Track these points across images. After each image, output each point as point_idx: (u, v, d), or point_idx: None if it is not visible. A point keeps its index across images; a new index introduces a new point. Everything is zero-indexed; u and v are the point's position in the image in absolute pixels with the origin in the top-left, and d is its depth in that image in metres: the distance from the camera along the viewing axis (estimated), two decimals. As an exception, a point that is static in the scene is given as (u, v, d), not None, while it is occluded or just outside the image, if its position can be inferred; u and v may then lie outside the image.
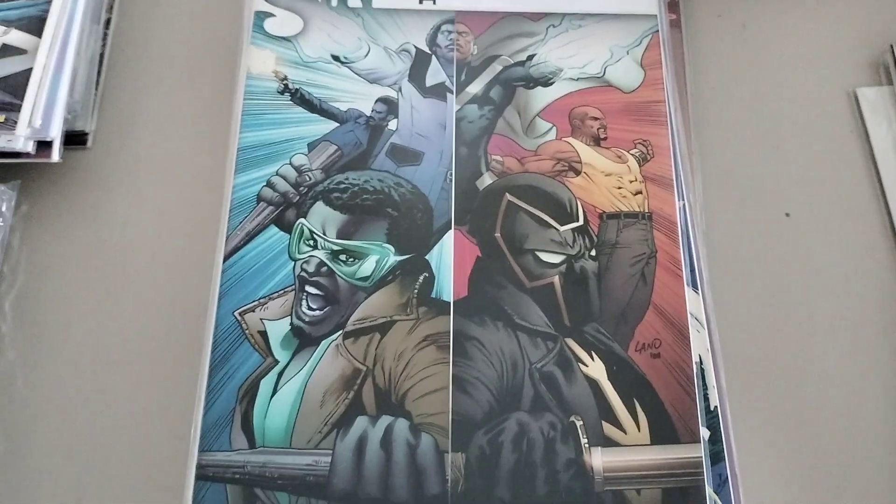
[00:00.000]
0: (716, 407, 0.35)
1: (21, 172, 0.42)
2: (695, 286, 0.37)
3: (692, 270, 0.37)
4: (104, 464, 0.37)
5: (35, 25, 0.42)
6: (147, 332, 0.40)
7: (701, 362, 0.35)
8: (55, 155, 0.41)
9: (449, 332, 0.35)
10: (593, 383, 0.34)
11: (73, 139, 0.43)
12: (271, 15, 0.42)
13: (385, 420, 0.34)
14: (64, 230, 0.42)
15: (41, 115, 0.41)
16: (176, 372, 0.38)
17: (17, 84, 0.41)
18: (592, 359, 0.35)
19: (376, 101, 0.40)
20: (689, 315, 0.36)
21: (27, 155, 0.41)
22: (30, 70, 0.41)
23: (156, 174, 0.43)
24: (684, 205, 0.39)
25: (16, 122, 0.40)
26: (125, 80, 0.46)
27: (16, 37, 0.42)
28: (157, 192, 0.43)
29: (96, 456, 0.37)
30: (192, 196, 0.42)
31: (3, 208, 0.41)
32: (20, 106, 0.40)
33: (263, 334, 0.36)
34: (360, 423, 0.34)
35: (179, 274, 0.40)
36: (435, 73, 0.41)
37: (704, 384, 0.35)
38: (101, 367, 0.39)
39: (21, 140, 0.40)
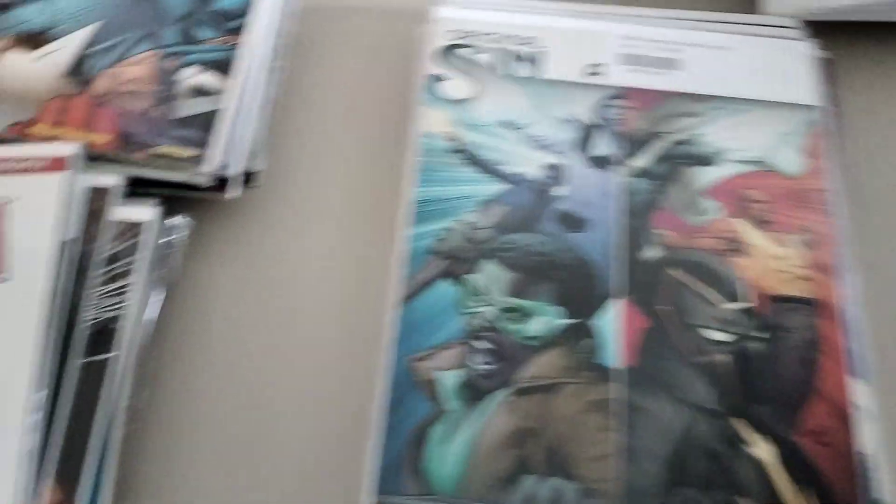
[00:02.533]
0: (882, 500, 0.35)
1: (191, 207, 0.45)
2: (861, 376, 0.38)
3: (858, 360, 0.38)
4: None
5: (224, 68, 0.45)
6: (311, 371, 0.42)
7: (868, 454, 0.36)
8: (234, 192, 0.44)
9: (616, 400, 0.37)
10: (760, 465, 0.35)
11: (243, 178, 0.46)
12: (445, 79, 0.45)
13: (553, 482, 0.35)
14: (231, 267, 0.45)
15: (226, 154, 0.43)
16: (344, 414, 0.40)
17: (207, 122, 0.44)
18: (759, 441, 0.36)
19: (544, 167, 0.42)
20: (855, 406, 0.37)
21: (207, 190, 0.44)
22: (218, 110, 0.44)
23: (323, 218, 0.46)
24: (849, 293, 0.40)
25: (203, 159, 0.43)
26: (293, 124, 0.49)
27: (207, 79, 0.45)
28: (325, 236, 0.45)
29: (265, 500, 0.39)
30: (360, 243, 0.45)
31: (176, 240, 0.43)
32: (208, 143, 0.43)
33: (434, 383, 0.37)
34: (529, 481, 0.35)
35: (347, 317, 0.43)
36: (601, 145, 0.43)
37: (872, 476, 0.36)
38: (267, 407, 0.41)
39: (206, 176, 0.43)
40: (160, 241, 0.43)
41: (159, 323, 0.42)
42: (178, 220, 0.44)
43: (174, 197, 0.44)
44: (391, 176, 0.45)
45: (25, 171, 0.42)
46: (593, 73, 0.45)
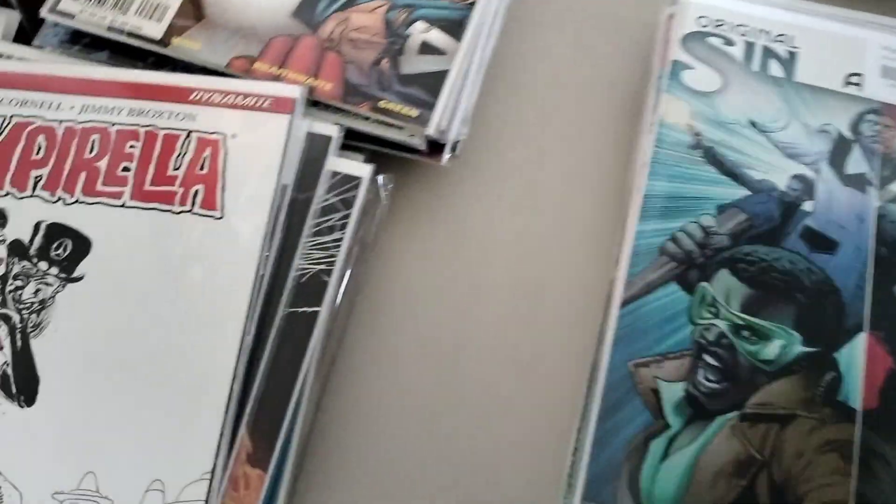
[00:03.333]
0: None
1: (392, 167, 0.43)
2: None
3: None
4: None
5: (454, 28, 0.43)
6: (504, 358, 0.40)
7: None
8: (445, 158, 0.42)
9: (855, 442, 0.34)
10: None
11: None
12: (690, 67, 0.42)
13: (781, 521, 0.32)
14: (424, 232, 0.44)
15: (446, 118, 0.42)
16: (542, 408, 0.38)
17: (434, 83, 0.42)
18: None
19: (792, 178, 0.39)
20: None
21: (416, 152, 0.42)
22: (446, 71, 0.42)
23: (528, 196, 0.44)
24: None
25: (426, 120, 0.41)
26: (501, 93, 0.47)
27: (436, 36, 0.43)
28: (530, 216, 0.43)
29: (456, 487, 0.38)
30: (571, 229, 0.42)
31: (383, 200, 0.42)
32: (433, 105, 0.41)
33: (656, 392, 0.35)
34: (754, 516, 0.32)
35: (550, 308, 0.41)
36: (856, 163, 0.40)
37: None
38: (454, 386, 0.40)
39: (425, 138, 0.41)
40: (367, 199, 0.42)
41: (352, 282, 0.41)
42: (383, 179, 0.42)
43: (378, 154, 0.43)
44: (613, 163, 0.43)
45: (247, 107, 0.41)
46: (851, 83, 0.42)
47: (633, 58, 0.46)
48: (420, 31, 0.43)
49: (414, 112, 0.41)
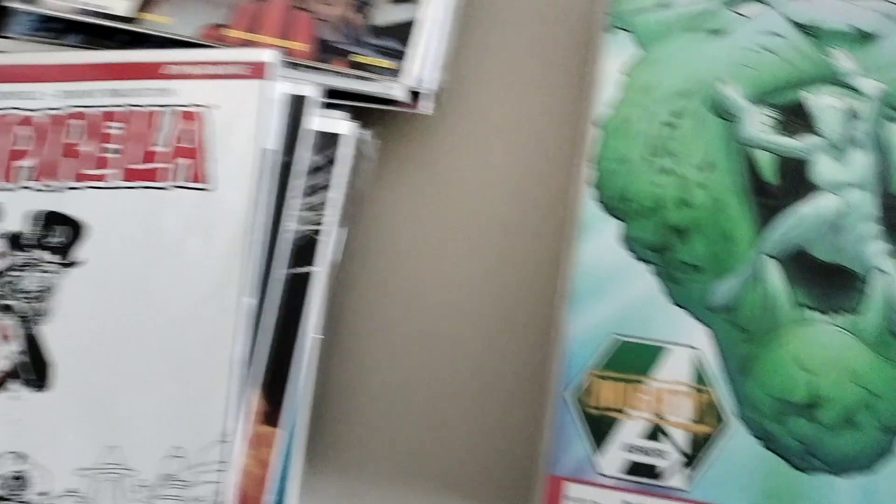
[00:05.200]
0: None
1: (375, 122, 0.44)
2: None
3: None
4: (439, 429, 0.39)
5: (421, -24, 0.44)
6: (492, 294, 0.42)
7: None
8: (427, 107, 0.43)
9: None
10: None
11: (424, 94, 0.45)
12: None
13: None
14: (412, 183, 0.45)
15: (422, 67, 0.42)
16: (520, 338, 0.40)
17: (405, 32, 0.42)
18: None
19: (768, 93, 0.40)
20: None
21: (400, 104, 0.43)
22: (416, 19, 0.43)
23: (504, 140, 0.45)
24: None
25: (401, 71, 0.42)
26: (474, 41, 0.47)
27: (404, -15, 0.44)
28: (505, 159, 0.44)
29: (428, 420, 0.39)
30: (540, 168, 0.43)
31: (369, 155, 0.43)
32: (407, 54, 0.42)
33: (650, 317, 0.36)
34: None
35: (522, 243, 0.42)
36: None
37: None
38: (441, 316, 0.41)
39: (403, 89, 0.42)
40: (353, 153, 0.42)
41: (345, 238, 0.42)
42: (367, 134, 0.43)
43: (360, 110, 0.43)
44: (576, 103, 0.44)
45: (223, 76, 0.42)
46: None
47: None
48: (387, -18, 0.44)
49: (389, 63, 0.42)
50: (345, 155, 0.41)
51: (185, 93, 0.41)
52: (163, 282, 0.38)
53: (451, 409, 0.40)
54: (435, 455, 0.39)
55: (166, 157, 0.40)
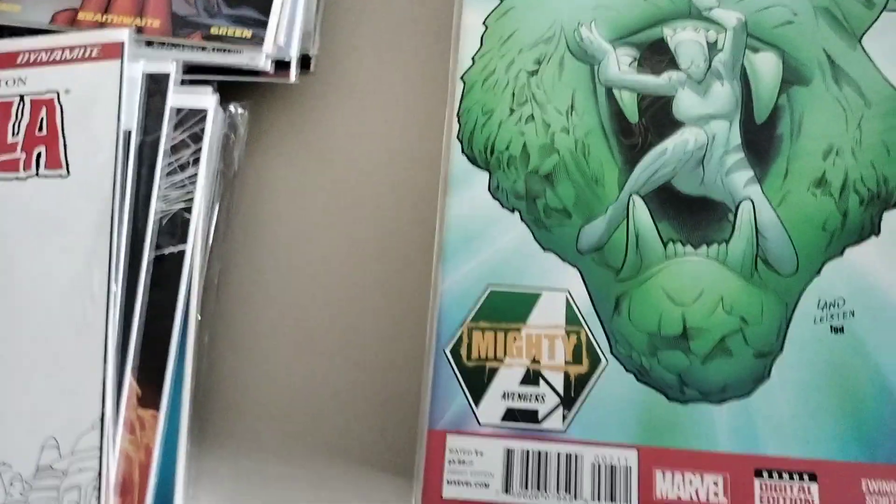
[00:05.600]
0: None
1: (246, 95, 0.43)
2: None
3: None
4: (324, 399, 0.39)
5: (276, -58, 0.43)
6: (374, 256, 0.41)
7: None
8: (292, 76, 0.42)
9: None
10: None
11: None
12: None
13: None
14: (288, 152, 0.44)
15: (284, 35, 0.42)
16: (404, 301, 0.40)
17: (263, 1, 0.42)
18: None
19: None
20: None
21: (265, 74, 0.42)
22: (274, -13, 0.42)
23: (379, 103, 0.45)
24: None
25: (261, 40, 0.41)
26: (342, 5, 0.47)
27: (258, -48, 0.43)
28: (380, 122, 0.44)
29: (314, 388, 0.39)
30: (416, 128, 0.43)
31: (239, 128, 0.42)
32: (266, 23, 0.41)
33: (520, 264, 0.36)
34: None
35: (402, 204, 0.42)
36: (688, 5, 0.40)
37: None
38: (322, 285, 0.41)
39: (264, 58, 0.41)
40: (222, 129, 0.42)
41: (221, 214, 0.41)
42: (235, 107, 0.42)
43: (229, 84, 0.43)
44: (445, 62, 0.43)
45: (76, 60, 0.40)
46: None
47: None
48: (240, -50, 0.43)
49: (247, 33, 0.41)
50: (210, 130, 0.40)
51: (37, 80, 0.40)
52: (26, 273, 0.37)
53: (340, 378, 0.40)
54: (327, 425, 0.39)
55: (21, 147, 0.39)
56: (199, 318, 0.39)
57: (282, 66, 0.43)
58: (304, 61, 0.44)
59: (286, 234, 0.42)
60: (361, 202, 0.43)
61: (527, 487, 0.34)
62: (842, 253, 0.36)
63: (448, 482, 0.34)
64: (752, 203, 0.37)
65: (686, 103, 0.39)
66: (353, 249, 0.42)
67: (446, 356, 0.36)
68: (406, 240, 0.41)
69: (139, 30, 0.41)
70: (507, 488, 0.34)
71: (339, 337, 0.40)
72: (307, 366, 0.40)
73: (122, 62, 0.40)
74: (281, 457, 0.39)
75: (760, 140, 0.38)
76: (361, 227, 0.42)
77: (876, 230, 0.37)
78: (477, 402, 0.35)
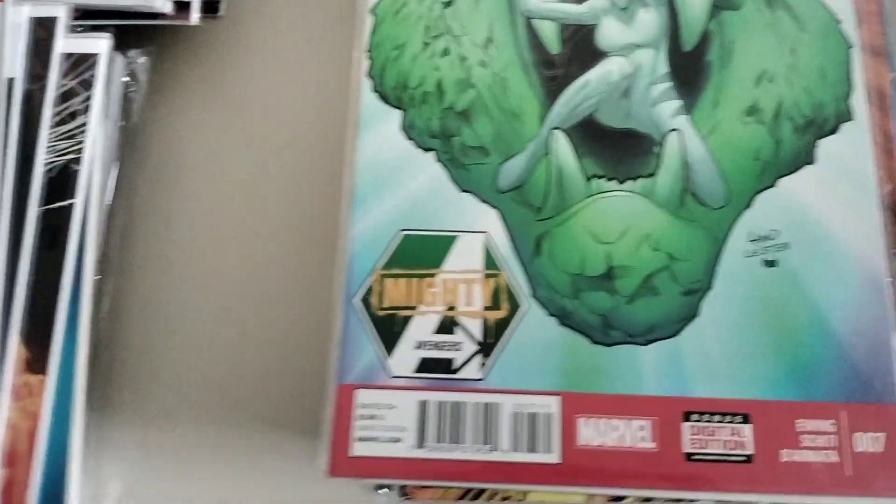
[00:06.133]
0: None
1: (150, 38, 0.41)
2: (913, 166, 0.34)
3: (909, 149, 0.34)
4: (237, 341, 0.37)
5: None
6: (279, 206, 0.39)
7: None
8: (193, 17, 0.40)
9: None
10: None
11: (205, 7, 0.41)
12: None
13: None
14: (195, 101, 0.41)
15: (181, -28, 0.39)
16: (317, 252, 0.37)
17: (156, -63, 0.39)
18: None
19: None
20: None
21: (164, 17, 0.39)
22: (167, -78, 0.39)
23: (289, 45, 0.42)
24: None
25: (157, -21, 0.38)
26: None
27: None
28: (291, 67, 0.41)
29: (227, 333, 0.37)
30: (328, 69, 0.41)
31: (139, 76, 0.40)
32: (161, -40, 0.38)
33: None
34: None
35: (314, 150, 0.40)
36: None
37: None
38: (231, 239, 0.39)
39: (160, 0, 0.38)
40: (121, 78, 0.39)
41: (123, 165, 0.38)
42: (135, 53, 0.40)
43: (131, 31, 0.40)
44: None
45: (-43, 5, 0.37)
46: None
47: None
48: None
49: (141, -28, 0.38)
50: (102, 75, 0.37)
51: (-89, 26, 0.37)
52: None
53: (250, 337, 0.37)
54: (234, 386, 0.37)
55: None
56: (100, 277, 0.36)
57: (184, 8, 0.40)
58: (212, 6, 0.41)
59: (194, 187, 0.40)
60: (272, 150, 0.40)
61: (441, 441, 0.32)
62: (775, 184, 0.34)
63: (358, 439, 0.32)
64: (680, 134, 0.35)
65: (610, 32, 0.37)
66: (264, 200, 0.39)
67: (356, 306, 0.33)
68: (318, 187, 0.39)
69: (23, -30, 0.38)
70: (420, 442, 0.32)
71: (246, 294, 0.38)
72: (218, 326, 0.37)
73: (5, 4, 0.37)
74: (190, 423, 0.36)
75: (688, 68, 0.36)
76: (272, 176, 0.39)
77: (811, 159, 0.35)
78: (389, 354, 0.33)
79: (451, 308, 0.33)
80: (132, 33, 0.40)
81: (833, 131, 0.35)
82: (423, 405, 0.32)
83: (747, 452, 0.31)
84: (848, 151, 0.35)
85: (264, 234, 0.38)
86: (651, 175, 0.35)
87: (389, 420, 0.32)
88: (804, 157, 0.35)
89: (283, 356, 0.37)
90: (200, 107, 0.41)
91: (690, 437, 0.31)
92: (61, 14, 0.38)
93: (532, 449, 0.31)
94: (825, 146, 0.35)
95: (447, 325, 0.33)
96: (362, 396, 0.32)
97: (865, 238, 0.33)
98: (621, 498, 0.33)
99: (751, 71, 0.36)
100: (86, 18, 0.39)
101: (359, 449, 0.31)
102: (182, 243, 0.39)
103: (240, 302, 0.38)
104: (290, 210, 0.39)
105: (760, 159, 0.35)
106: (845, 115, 0.35)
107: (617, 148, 0.35)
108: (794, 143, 0.35)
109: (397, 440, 0.32)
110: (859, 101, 0.35)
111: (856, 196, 0.34)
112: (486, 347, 0.33)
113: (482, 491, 0.34)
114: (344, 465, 0.31)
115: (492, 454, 0.31)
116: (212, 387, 0.36)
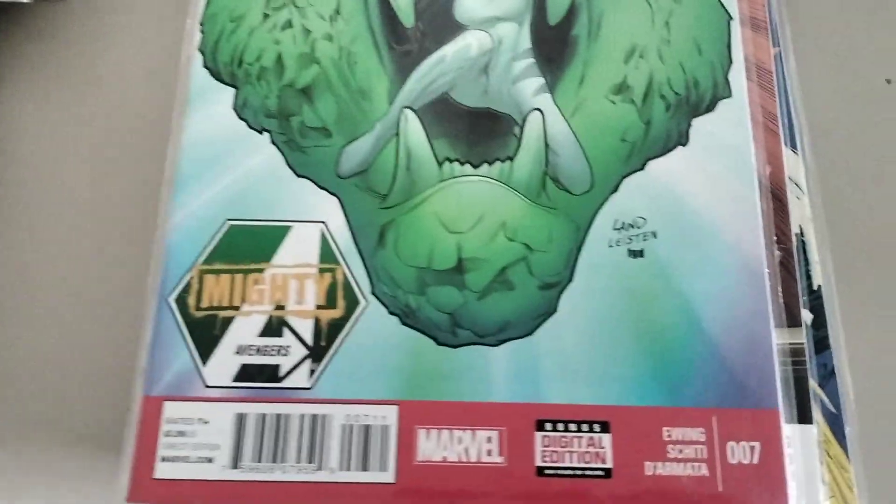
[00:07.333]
0: (819, 286, 0.29)
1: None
2: (793, 146, 0.31)
3: (790, 129, 0.31)
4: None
5: None
6: (99, 188, 0.35)
7: (802, 234, 0.30)
8: (18, -9, 0.35)
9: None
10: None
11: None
12: None
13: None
14: (39, 87, 0.37)
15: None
16: (130, 236, 0.33)
17: None
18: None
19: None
20: (787, 179, 0.30)
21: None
22: None
23: (126, 26, 0.38)
24: (779, 52, 0.33)
25: (-37, -58, 0.34)
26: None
27: None
28: (125, 46, 0.37)
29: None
30: (158, 49, 0.37)
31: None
32: (-33, -79, 0.34)
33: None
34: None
35: (137, 134, 0.36)
36: None
37: (807, 259, 0.29)
38: (44, 230, 0.34)
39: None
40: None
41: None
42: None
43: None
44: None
45: None
46: None
47: None
48: None
49: (-56, -65, 0.34)
50: None
51: None
52: None
53: (57, 342, 0.33)
54: (35, 398, 0.32)
55: None
56: None
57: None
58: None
59: (19, 174, 0.35)
60: (97, 133, 0.36)
61: (260, 460, 0.27)
62: (643, 167, 0.31)
63: (162, 459, 0.27)
64: (541, 114, 0.32)
65: (469, 4, 0.33)
66: (86, 187, 0.35)
67: (170, 306, 0.29)
68: (141, 172, 0.35)
69: None
70: (235, 462, 0.27)
71: (59, 292, 0.33)
72: (20, 329, 0.33)
73: None
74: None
75: (553, 43, 0.33)
76: (95, 161, 0.35)
77: (684, 140, 0.32)
78: (204, 361, 0.28)
79: (280, 307, 0.29)
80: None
81: (709, 109, 0.32)
82: (241, 419, 0.28)
83: (606, 466, 0.27)
84: (725, 131, 0.32)
85: (79, 226, 0.34)
86: (510, 158, 0.31)
87: (201, 437, 0.28)
88: (677, 138, 0.32)
89: (93, 363, 0.32)
90: (28, 91, 0.37)
91: (542, 449, 0.27)
92: None
93: (364, 467, 0.27)
94: (700, 126, 0.32)
95: (274, 327, 0.29)
96: (170, 410, 0.28)
97: (743, 225, 0.30)
98: (469, 520, 0.29)
99: (620, 46, 0.33)
100: None
101: (163, 470, 0.27)
102: (23, 229, 0.34)
103: (46, 301, 0.33)
104: (109, 197, 0.35)
105: (628, 140, 0.31)
106: (723, 92, 0.32)
107: (473, 129, 0.32)
108: (666, 123, 0.32)
109: (209, 460, 0.27)
110: (739, 77, 0.32)
111: (733, 179, 0.31)
112: (317, 351, 0.29)
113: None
114: (145, 488, 0.27)
115: (317, 474, 0.27)
116: (8, 398, 0.32)
